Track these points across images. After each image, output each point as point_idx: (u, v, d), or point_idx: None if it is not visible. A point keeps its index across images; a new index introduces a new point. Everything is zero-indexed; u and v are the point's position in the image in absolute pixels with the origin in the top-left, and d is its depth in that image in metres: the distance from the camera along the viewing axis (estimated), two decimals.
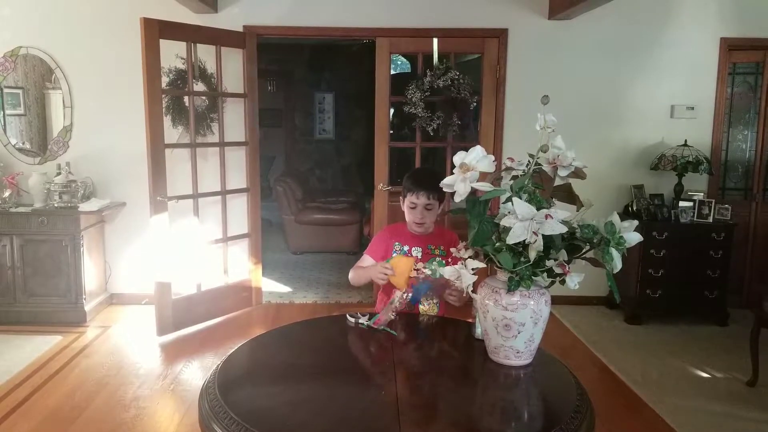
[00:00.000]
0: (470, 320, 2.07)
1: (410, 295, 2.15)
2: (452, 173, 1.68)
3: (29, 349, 3.81)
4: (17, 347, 3.84)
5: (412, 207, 2.39)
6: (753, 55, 4.77)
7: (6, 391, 3.25)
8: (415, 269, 2.15)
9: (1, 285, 4.24)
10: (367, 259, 2.48)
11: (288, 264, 6.17)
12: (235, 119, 4.52)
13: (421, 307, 2.39)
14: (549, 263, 1.64)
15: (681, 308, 4.49)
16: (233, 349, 1.95)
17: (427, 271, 2.10)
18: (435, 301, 2.40)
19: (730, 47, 4.65)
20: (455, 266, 1.79)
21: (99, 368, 3.58)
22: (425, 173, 2.64)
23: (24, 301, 4.25)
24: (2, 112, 4.57)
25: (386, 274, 2.20)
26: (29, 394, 3.22)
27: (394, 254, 2.38)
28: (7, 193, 4.33)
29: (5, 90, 4.55)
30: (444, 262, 2.21)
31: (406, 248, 2.42)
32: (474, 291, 1.79)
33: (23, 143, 4.67)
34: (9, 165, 4.55)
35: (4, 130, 4.60)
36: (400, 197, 2.49)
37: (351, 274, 2.48)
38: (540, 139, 1.66)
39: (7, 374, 3.44)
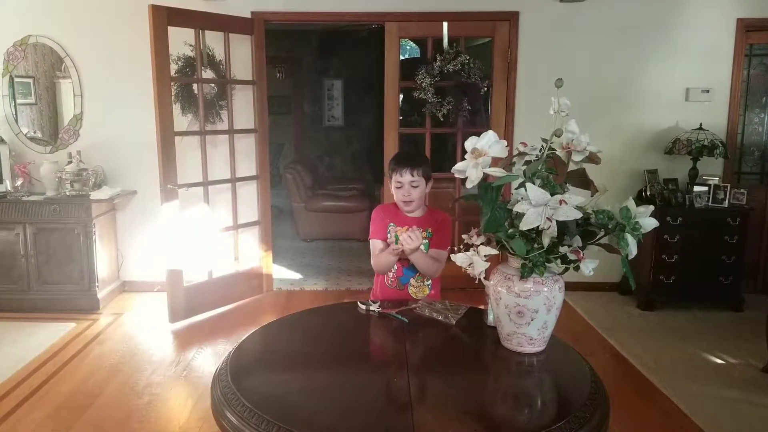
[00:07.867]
0: (482, 307, 2.05)
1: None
2: (464, 159, 1.66)
3: (43, 336, 3.85)
4: (31, 335, 3.88)
5: (398, 186, 2.40)
6: None
7: (20, 378, 3.29)
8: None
9: (15, 273, 4.28)
10: (375, 244, 2.49)
11: (298, 251, 6.17)
12: (244, 106, 4.51)
13: (410, 288, 2.41)
14: (563, 249, 1.62)
15: (695, 294, 4.45)
16: (245, 336, 1.95)
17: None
18: (427, 282, 2.42)
19: (747, 28, 4.54)
20: (467, 253, 1.77)
21: (112, 355, 3.62)
22: (407, 152, 2.88)
23: (37, 288, 4.29)
24: (13, 102, 4.58)
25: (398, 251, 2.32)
26: (43, 381, 3.26)
27: (396, 232, 2.38)
28: (19, 182, 4.36)
29: (16, 79, 4.56)
30: (429, 242, 2.37)
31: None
32: (487, 278, 1.78)
33: (34, 132, 4.68)
34: (21, 154, 4.57)
35: (16, 119, 4.61)
36: (386, 179, 2.53)
37: (374, 264, 2.50)
38: (553, 124, 1.63)
39: (21, 361, 3.48)
